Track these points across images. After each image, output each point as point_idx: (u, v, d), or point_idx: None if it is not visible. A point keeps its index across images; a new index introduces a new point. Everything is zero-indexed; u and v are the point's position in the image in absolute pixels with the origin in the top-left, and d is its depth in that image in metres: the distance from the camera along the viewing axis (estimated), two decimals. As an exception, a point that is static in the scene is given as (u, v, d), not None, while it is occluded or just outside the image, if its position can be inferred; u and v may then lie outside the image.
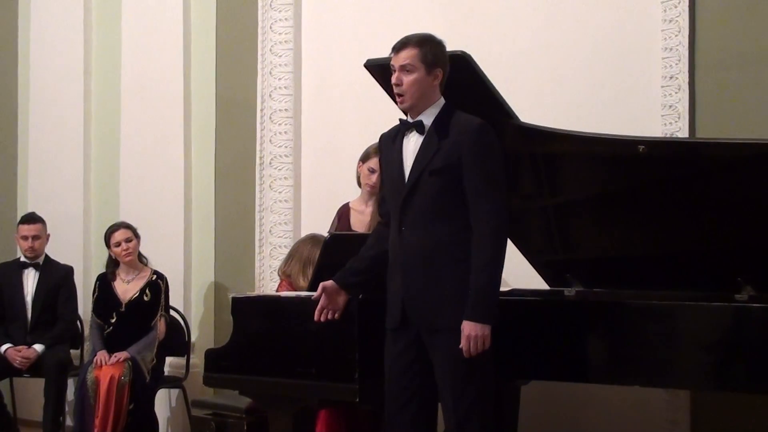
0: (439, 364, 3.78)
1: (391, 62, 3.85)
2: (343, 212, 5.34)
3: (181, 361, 6.35)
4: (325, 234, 4.88)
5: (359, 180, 5.30)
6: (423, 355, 3.81)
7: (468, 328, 3.68)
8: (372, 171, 5.19)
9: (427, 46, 3.82)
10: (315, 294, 4.01)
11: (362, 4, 6.14)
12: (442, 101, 3.88)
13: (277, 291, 5.49)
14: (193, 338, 6.45)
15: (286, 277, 5.31)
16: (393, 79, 3.84)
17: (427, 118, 3.84)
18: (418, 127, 3.84)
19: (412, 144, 3.86)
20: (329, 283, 4.01)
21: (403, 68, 3.81)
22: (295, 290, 5.09)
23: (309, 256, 5.22)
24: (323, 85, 6.28)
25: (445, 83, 3.88)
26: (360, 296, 4.08)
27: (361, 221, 5.23)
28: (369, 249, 4.05)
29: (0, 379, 6.33)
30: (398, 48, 3.85)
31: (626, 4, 5.28)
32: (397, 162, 3.88)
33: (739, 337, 3.85)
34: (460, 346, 3.68)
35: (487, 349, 3.71)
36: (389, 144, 3.97)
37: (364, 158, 5.25)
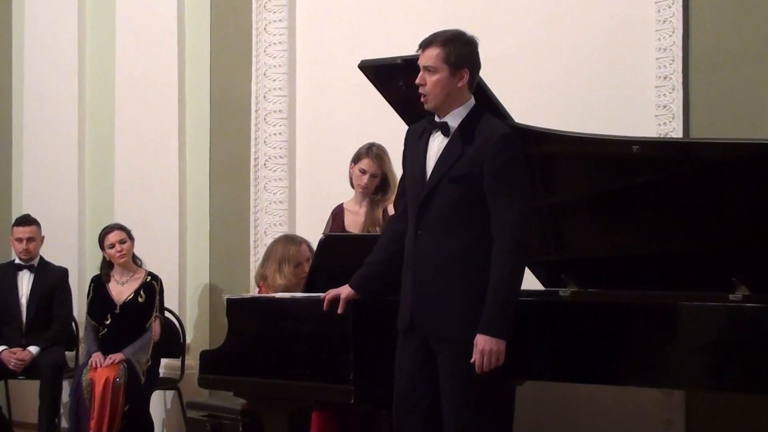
0: (444, 372, 3.74)
1: (419, 61, 3.78)
2: (337, 213, 5.33)
3: (176, 362, 6.35)
4: (301, 235, 4.84)
5: (352, 181, 5.30)
6: (432, 358, 3.77)
7: (482, 342, 3.62)
8: (363, 172, 5.19)
9: (451, 45, 3.72)
10: (334, 304, 3.98)
11: (356, 5, 6.14)
12: (471, 102, 3.79)
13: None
14: (188, 340, 6.45)
15: (263, 279, 5.26)
16: (417, 79, 3.77)
17: (454, 120, 3.76)
18: (443, 128, 3.76)
19: (436, 145, 3.79)
20: (350, 292, 3.97)
21: (426, 69, 3.74)
22: (272, 293, 5.06)
23: (284, 253, 5.20)
24: (318, 86, 6.28)
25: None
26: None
27: (355, 222, 5.23)
28: (380, 249, 3.99)
29: (-5, 382, 6.34)
30: (423, 46, 3.77)
31: (620, 5, 5.28)
32: (420, 161, 3.81)
33: (734, 337, 3.85)
34: (472, 360, 3.63)
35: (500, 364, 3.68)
36: (415, 139, 3.88)
37: (356, 159, 5.25)
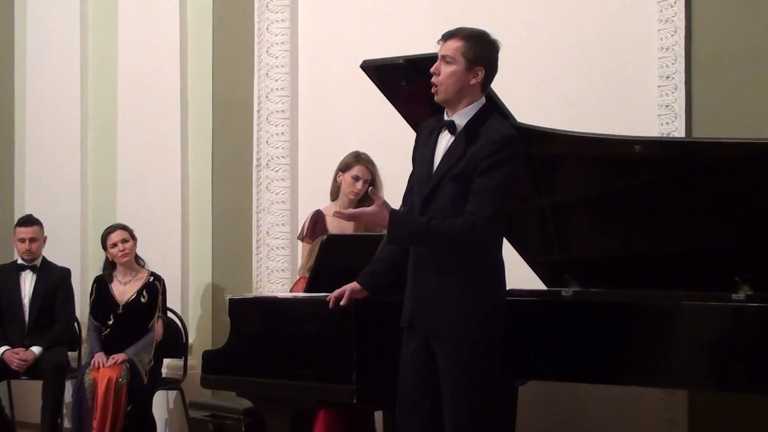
0: (442, 370, 3.74)
1: (439, 51, 3.77)
2: (318, 219, 5.30)
3: (179, 362, 6.35)
4: None
5: (335, 191, 5.28)
6: (435, 356, 3.77)
7: (382, 211, 3.67)
8: (357, 179, 5.21)
9: (472, 41, 3.72)
10: (341, 301, 3.98)
11: (359, 5, 6.14)
12: (481, 102, 3.78)
13: (292, 289, 5.52)
14: (190, 340, 6.45)
15: (307, 267, 5.31)
16: (432, 68, 3.75)
17: (461, 119, 3.75)
18: (450, 126, 3.76)
19: (443, 144, 3.78)
20: (356, 286, 3.98)
21: (444, 59, 3.73)
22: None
23: None
24: (320, 86, 6.28)
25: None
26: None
27: (346, 228, 5.20)
28: (388, 246, 3.98)
29: (-3, 382, 6.34)
30: (445, 37, 3.76)
31: (622, 4, 5.28)
32: (428, 159, 3.81)
33: (737, 336, 3.86)
34: (352, 211, 3.70)
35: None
36: (425, 136, 3.88)
37: (345, 168, 5.26)
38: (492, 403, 3.75)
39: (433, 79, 3.76)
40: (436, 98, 3.78)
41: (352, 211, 3.72)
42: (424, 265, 3.77)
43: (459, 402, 3.69)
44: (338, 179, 5.29)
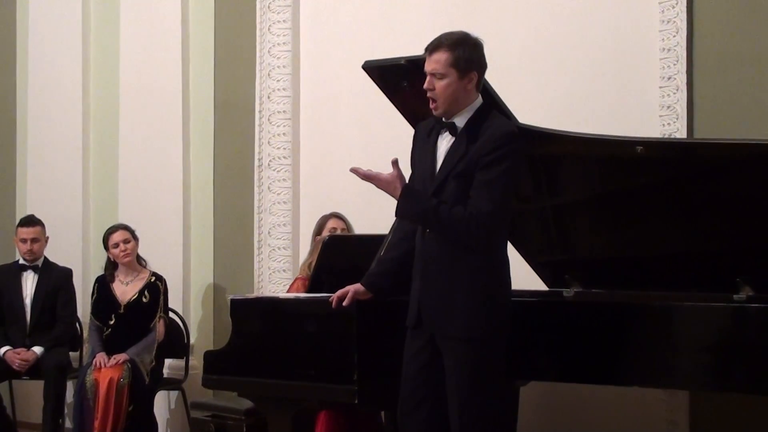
0: (448, 370, 3.75)
1: (425, 66, 3.78)
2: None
3: (180, 362, 6.35)
4: (304, 235, 4.84)
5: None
6: (438, 356, 3.79)
7: (397, 181, 3.72)
8: (334, 231, 5.35)
9: (460, 49, 3.72)
10: (343, 301, 4.00)
11: (360, 5, 6.14)
12: (478, 102, 3.81)
13: (289, 289, 5.52)
14: (192, 340, 6.46)
15: (308, 267, 5.31)
16: (425, 84, 3.76)
17: (461, 120, 3.77)
18: (451, 128, 3.78)
19: (444, 145, 3.80)
20: (360, 287, 3.99)
21: (434, 75, 3.73)
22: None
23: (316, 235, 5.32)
24: (321, 86, 6.28)
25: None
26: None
27: None
28: (392, 248, 4.01)
29: (-1, 382, 6.34)
30: (430, 50, 3.76)
31: (624, 5, 5.28)
32: (429, 160, 3.83)
33: (738, 337, 3.86)
34: (365, 171, 3.74)
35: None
36: (424, 137, 3.89)
37: (319, 230, 5.45)
38: (498, 403, 3.76)
39: (429, 94, 3.76)
40: (435, 113, 3.79)
41: (369, 171, 3.75)
42: (433, 268, 3.77)
43: (465, 401, 3.70)
44: (315, 240, 5.41)
